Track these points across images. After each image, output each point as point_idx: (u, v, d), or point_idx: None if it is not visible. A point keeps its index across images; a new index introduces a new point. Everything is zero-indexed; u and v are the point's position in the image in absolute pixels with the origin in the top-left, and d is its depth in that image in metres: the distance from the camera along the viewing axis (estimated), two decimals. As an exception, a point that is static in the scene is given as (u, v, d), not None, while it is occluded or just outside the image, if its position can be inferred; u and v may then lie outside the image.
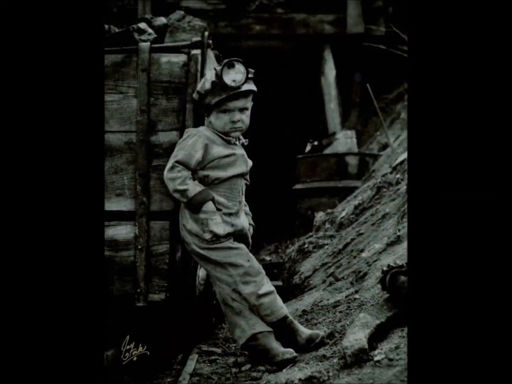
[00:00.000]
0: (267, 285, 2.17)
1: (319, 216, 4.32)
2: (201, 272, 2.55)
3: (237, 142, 2.25)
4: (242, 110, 2.21)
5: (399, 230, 2.96)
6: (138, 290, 2.24)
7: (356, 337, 1.82)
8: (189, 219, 2.15)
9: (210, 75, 2.20)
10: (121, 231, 2.32)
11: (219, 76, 2.13)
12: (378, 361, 1.73)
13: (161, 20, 2.56)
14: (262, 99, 2.51)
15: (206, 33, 2.49)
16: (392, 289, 2.04)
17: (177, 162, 2.13)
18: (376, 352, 1.80)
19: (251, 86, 2.21)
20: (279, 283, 3.77)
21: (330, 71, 6.63)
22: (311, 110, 7.07)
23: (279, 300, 2.18)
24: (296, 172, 5.72)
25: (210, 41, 2.47)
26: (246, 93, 2.20)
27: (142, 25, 2.45)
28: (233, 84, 2.14)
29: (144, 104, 2.30)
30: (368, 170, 5.20)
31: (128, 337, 2.09)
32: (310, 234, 4.15)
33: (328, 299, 2.65)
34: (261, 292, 2.14)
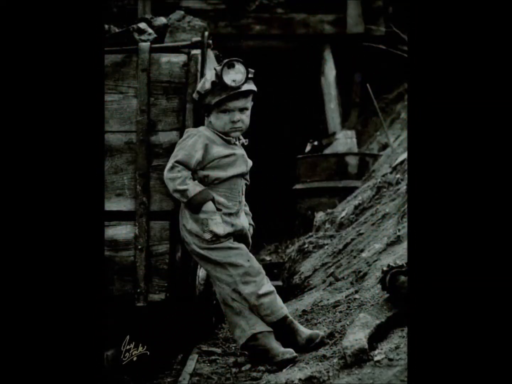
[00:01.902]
0: (267, 285, 2.17)
1: (319, 216, 4.32)
2: (201, 272, 2.55)
3: (237, 142, 2.25)
4: (242, 110, 2.21)
5: (399, 230, 2.96)
6: (138, 290, 2.24)
7: (356, 337, 1.82)
8: (189, 219, 2.15)
9: (210, 75, 2.20)
10: (121, 231, 2.32)
11: (219, 76, 2.13)
12: (378, 361, 1.73)
13: (161, 20, 2.56)
14: (262, 99, 2.51)
15: (206, 33, 2.49)
16: (392, 289, 2.04)
17: (177, 162, 2.14)
18: (376, 352, 1.80)
19: (251, 86, 2.21)
20: (279, 283, 3.77)
21: (330, 71, 6.63)
22: (311, 110, 7.07)
23: (279, 300, 2.18)
24: (296, 172, 5.72)
25: (210, 41, 2.47)
26: (246, 93, 2.20)
27: (142, 25, 2.45)
28: (233, 84, 2.14)
29: (144, 104, 2.30)
30: (368, 170, 5.20)
31: (128, 337, 2.09)
32: (310, 234, 4.15)
33: (328, 299, 2.65)
34: (261, 292, 2.14)
